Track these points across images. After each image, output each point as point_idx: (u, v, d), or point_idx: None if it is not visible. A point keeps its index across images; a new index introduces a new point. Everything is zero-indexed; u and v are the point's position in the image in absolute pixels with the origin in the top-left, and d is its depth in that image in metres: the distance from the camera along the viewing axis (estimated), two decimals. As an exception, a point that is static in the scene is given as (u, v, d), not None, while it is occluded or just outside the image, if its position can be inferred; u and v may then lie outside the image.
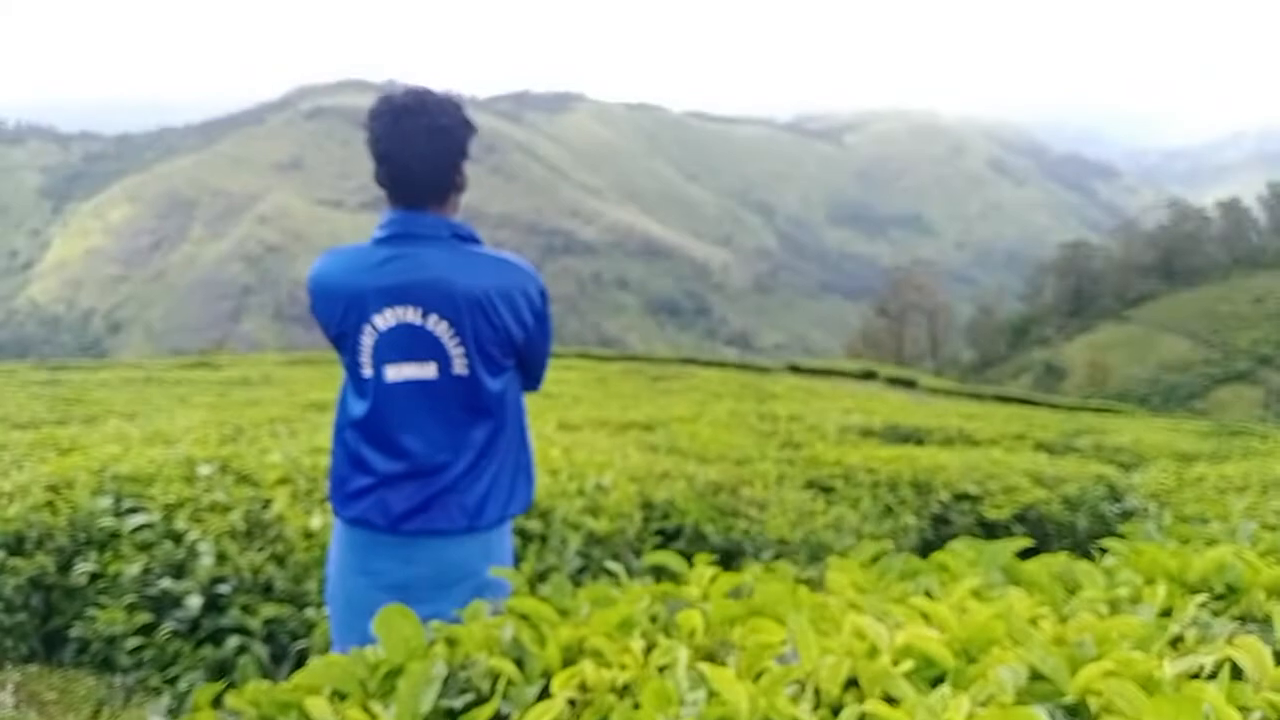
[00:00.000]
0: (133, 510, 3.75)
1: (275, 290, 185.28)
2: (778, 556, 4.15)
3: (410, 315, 2.12)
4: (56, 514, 3.68)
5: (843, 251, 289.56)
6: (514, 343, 2.21)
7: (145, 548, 3.54)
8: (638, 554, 3.81)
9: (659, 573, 1.54)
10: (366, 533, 2.19)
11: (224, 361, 28.78)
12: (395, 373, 2.15)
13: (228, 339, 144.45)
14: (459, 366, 2.15)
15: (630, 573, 3.65)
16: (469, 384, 2.16)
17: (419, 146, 2.13)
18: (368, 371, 2.17)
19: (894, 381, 52.65)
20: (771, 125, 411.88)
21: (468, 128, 2.22)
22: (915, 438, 10.86)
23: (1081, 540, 6.16)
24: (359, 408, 2.20)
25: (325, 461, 4.31)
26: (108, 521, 3.66)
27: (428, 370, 2.14)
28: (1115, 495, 7.53)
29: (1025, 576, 1.18)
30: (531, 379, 2.37)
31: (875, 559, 1.39)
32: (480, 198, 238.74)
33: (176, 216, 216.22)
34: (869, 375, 55.31)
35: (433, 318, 2.12)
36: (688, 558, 4.39)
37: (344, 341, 2.21)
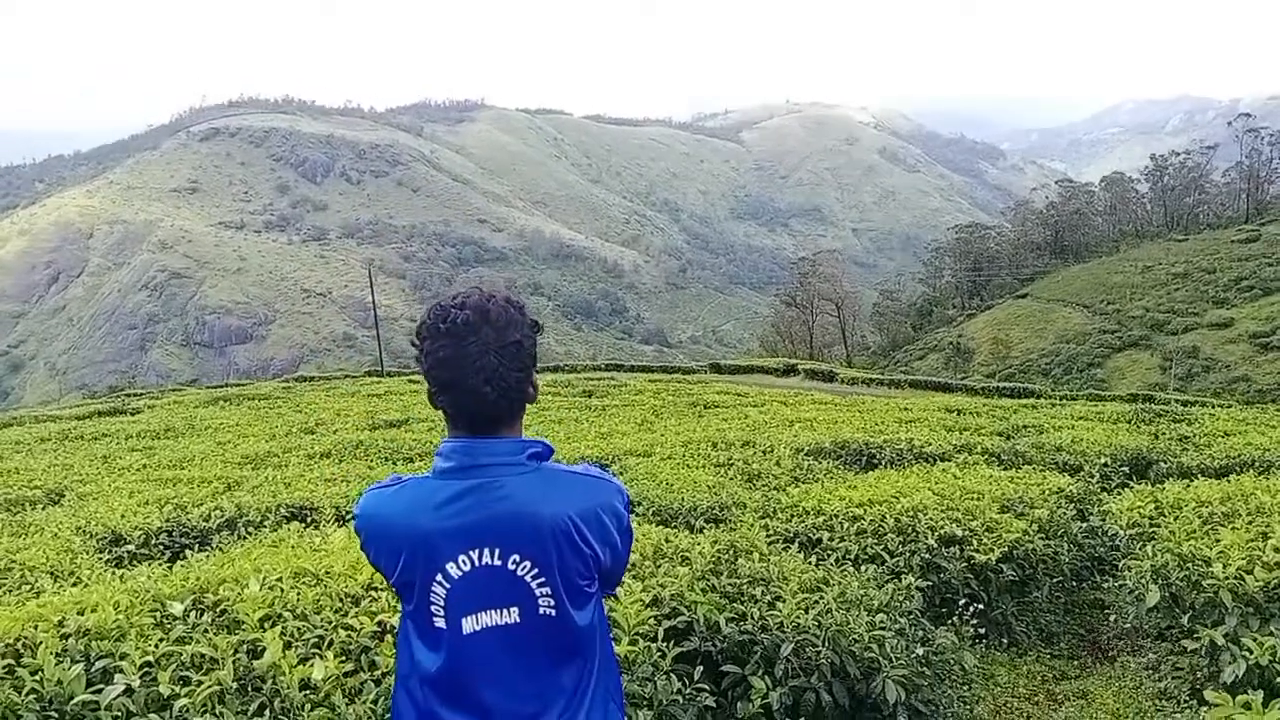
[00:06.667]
0: (106, 675, 3.36)
1: (182, 317, 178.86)
2: (798, 650, 4.00)
3: (488, 557, 1.86)
4: (20, 689, 3.27)
5: (747, 245, 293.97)
6: (602, 568, 1.98)
7: (128, 722, 3.17)
8: (660, 672, 3.61)
9: None
10: None
11: (140, 404, 27.43)
12: (473, 623, 1.88)
13: (136, 370, 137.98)
14: (545, 607, 1.90)
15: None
16: (556, 625, 1.91)
17: (489, 369, 1.87)
18: (440, 623, 1.90)
19: (813, 374, 53.72)
20: (670, 125, 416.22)
21: (535, 331, 1.98)
22: (867, 455, 10.93)
23: (1067, 575, 6.21)
24: (431, 661, 1.92)
25: (312, 594, 3.96)
26: (81, 692, 3.25)
27: (509, 615, 1.89)
28: (1080, 511, 7.65)
29: None
30: (610, 586, 2.11)
31: None
32: (387, 211, 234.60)
33: (72, 248, 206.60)
34: (790, 370, 56.31)
35: (514, 557, 1.87)
36: (706, 658, 4.13)
37: (409, 590, 1.93)
